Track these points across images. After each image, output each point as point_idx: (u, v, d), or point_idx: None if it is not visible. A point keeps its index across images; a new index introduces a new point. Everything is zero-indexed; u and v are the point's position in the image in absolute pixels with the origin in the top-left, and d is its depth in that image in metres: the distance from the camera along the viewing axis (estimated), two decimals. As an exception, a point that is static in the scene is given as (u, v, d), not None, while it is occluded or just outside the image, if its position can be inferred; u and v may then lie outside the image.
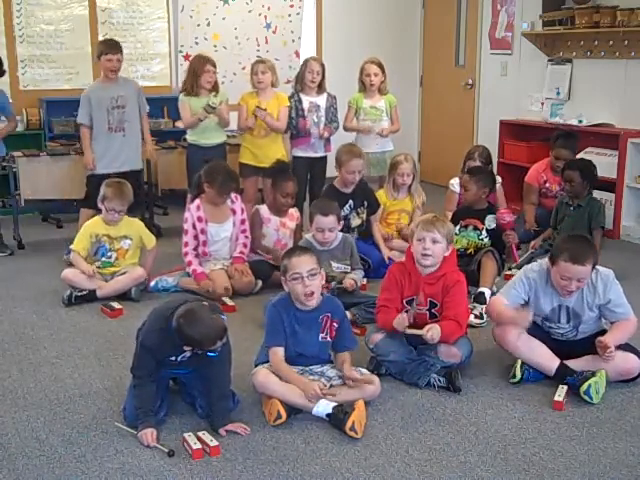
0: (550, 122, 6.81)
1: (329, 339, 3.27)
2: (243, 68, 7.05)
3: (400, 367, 3.44)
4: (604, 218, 5.16)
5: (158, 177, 6.43)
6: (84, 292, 4.53)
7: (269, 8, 7.68)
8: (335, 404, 3.05)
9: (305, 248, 3.38)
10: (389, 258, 5.06)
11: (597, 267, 3.38)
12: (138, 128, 5.71)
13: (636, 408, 3.22)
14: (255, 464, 2.78)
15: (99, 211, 4.82)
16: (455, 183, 5.38)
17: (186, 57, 7.23)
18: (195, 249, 4.74)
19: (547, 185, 5.92)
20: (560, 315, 3.45)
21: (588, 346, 3.38)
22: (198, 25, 7.41)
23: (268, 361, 3.22)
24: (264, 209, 4.97)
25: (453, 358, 3.43)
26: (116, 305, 4.39)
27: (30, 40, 6.93)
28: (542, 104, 7.13)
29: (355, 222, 5.12)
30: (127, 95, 5.57)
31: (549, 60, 7.02)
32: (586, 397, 3.22)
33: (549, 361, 3.39)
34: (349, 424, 2.94)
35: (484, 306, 4.22)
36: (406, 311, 3.43)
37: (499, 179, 5.71)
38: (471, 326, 3.94)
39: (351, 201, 5.07)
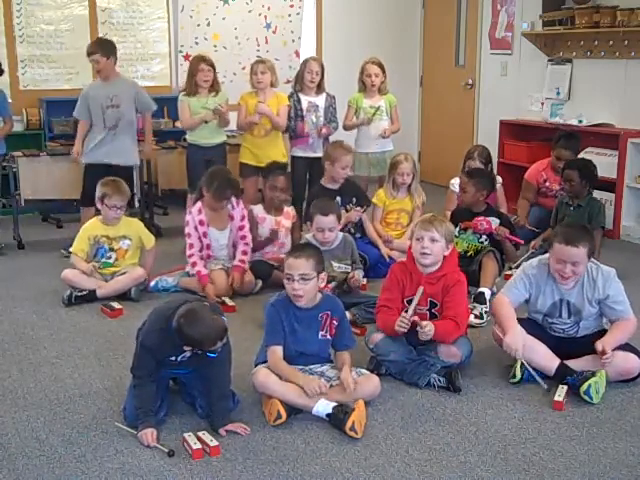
0: (550, 122, 6.82)
1: (329, 337, 3.27)
2: (243, 68, 7.05)
3: (400, 367, 3.44)
4: (604, 218, 5.16)
5: (158, 177, 6.44)
6: (84, 292, 4.53)
7: (269, 8, 7.69)
8: (335, 404, 3.05)
9: (309, 249, 3.32)
10: (389, 257, 5.07)
11: (599, 264, 3.43)
12: (134, 126, 5.70)
13: (636, 408, 3.22)
14: (255, 464, 2.78)
15: (99, 210, 4.83)
16: (455, 183, 5.38)
17: (186, 57, 7.25)
18: (200, 251, 4.73)
19: (547, 184, 5.92)
20: (561, 310, 3.46)
21: (588, 346, 3.38)
22: (198, 25, 7.42)
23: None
24: (258, 208, 4.97)
25: (453, 358, 3.44)
26: (116, 305, 4.39)
27: (30, 40, 6.93)
28: (542, 104, 7.13)
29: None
30: (122, 94, 5.54)
31: (549, 60, 7.02)
32: (586, 397, 3.22)
33: (549, 361, 3.39)
34: (349, 424, 2.94)
35: (484, 306, 4.22)
36: (406, 311, 3.43)
37: (499, 179, 5.72)
38: (471, 326, 3.94)
39: (339, 197, 5.08)
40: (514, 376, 3.39)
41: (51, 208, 6.62)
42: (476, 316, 4.17)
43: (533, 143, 6.92)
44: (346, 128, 5.93)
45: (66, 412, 3.17)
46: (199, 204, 4.74)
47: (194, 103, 5.56)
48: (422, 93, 8.75)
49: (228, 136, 6.02)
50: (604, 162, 6.05)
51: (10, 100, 6.19)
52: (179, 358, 3.03)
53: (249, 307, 4.46)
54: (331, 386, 3.17)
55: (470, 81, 8.01)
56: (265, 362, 3.22)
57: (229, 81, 7.08)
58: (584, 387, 3.22)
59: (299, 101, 5.68)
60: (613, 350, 3.31)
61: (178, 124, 6.32)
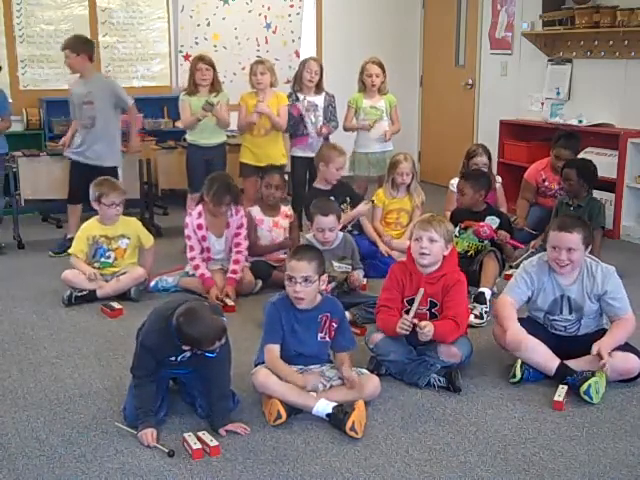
0: (550, 122, 6.82)
1: (328, 339, 3.27)
2: (243, 68, 7.06)
3: (400, 367, 3.44)
4: (604, 218, 5.16)
5: (158, 177, 6.44)
6: (84, 292, 4.53)
7: (269, 8, 7.70)
8: (335, 404, 3.05)
9: (311, 251, 3.30)
10: (388, 255, 5.09)
11: (599, 261, 3.47)
12: (112, 124, 5.63)
13: (636, 408, 3.22)
14: (255, 464, 2.78)
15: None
16: (455, 183, 5.37)
17: (186, 57, 7.26)
18: (201, 253, 4.73)
19: (546, 184, 5.92)
20: (562, 306, 3.47)
21: (588, 345, 3.38)
22: (198, 25, 7.43)
23: (268, 360, 3.22)
24: (255, 210, 4.95)
25: (453, 358, 3.44)
26: (116, 305, 4.39)
27: (30, 40, 6.94)
28: (542, 104, 7.13)
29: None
30: (95, 92, 5.51)
31: (549, 60, 7.02)
32: (586, 397, 3.22)
33: (549, 361, 3.39)
34: (349, 424, 2.94)
35: (484, 306, 4.22)
36: (407, 312, 3.43)
37: (499, 179, 5.72)
38: (471, 326, 3.94)
39: (333, 198, 5.07)
40: (514, 376, 3.39)
41: (51, 208, 6.62)
42: (476, 316, 4.17)
43: (533, 143, 6.92)
44: (346, 129, 5.93)
45: (66, 412, 3.17)
46: (200, 207, 4.73)
47: (194, 103, 5.56)
48: (422, 93, 8.75)
49: (228, 136, 6.02)
50: (604, 162, 6.04)
51: (10, 100, 6.20)
52: (179, 358, 3.03)
53: (249, 307, 4.46)
54: (331, 386, 3.18)
55: (470, 81, 8.01)
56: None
57: (229, 81, 7.08)
58: (584, 387, 3.22)
59: (298, 101, 5.69)
60: (613, 350, 3.32)
61: (178, 124, 6.33)
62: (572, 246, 3.36)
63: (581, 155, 5.92)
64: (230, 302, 4.48)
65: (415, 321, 3.36)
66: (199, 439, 2.86)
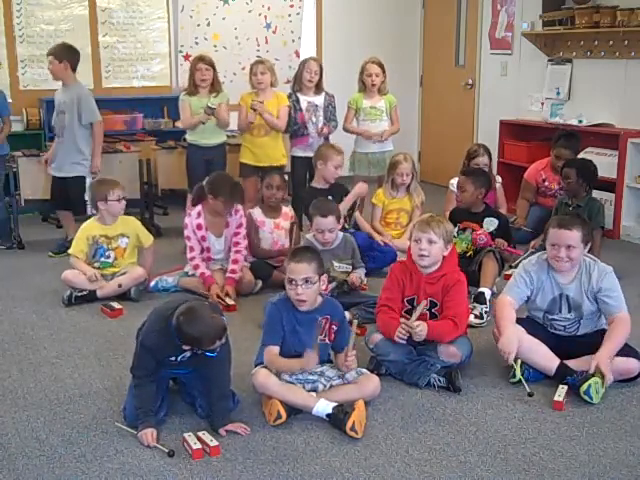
0: (550, 122, 6.81)
1: (328, 341, 3.26)
2: (243, 68, 7.06)
3: (400, 367, 3.44)
4: (603, 218, 5.17)
5: (158, 177, 6.44)
6: (84, 292, 4.53)
7: (269, 8, 7.70)
8: (335, 404, 3.05)
9: (309, 252, 3.30)
10: (385, 244, 5.10)
11: (597, 260, 3.48)
12: (78, 136, 5.47)
13: (636, 408, 3.22)
14: (255, 464, 2.78)
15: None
16: (455, 183, 5.37)
17: (186, 57, 7.26)
18: (201, 253, 4.72)
19: (546, 184, 5.93)
20: (561, 305, 3.48)
21: (588, 345, 3.39)
22: (198, 25, 7.43)
23: (268, 361, 3.22)
24: (257, 212, 4.95)
25: (453, 358, 3.44)
26: (116, 305, 4.39)
27: (30, 40, 6.94)
28: (542, 104, 7.12)
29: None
30: (68, 102, 5.46)
31: (549, 60, 7.02)
32: (586, 397, 3.22)
33: (549, 361, 3.40)
34: (349, 424, 2.94)
35: (484, 306, 4.22)
36: (407, 311, 3.43)
37: (499, 179, 5.73)
38: (471, 326, 3.94)
39: (330, 197, 5.07)
40: (514, 376, 3.39)
41: (51, 208, 6.60)
42: (476, 316, 4.17)
43: (533, 143, 6.92)
44: (346, 130, 5.93)
45: (66, 412, 3.17)
46: (199, 208, 4.73)
47: (194, 103, 5.56)
48: (422, 93, 8.75)
49: (228, 136, 6.02)
50: (604, 162, 6.04)
51: (10, 100, 6.21)
52: (179, 358, 3.03)
53: (249, 307, 4.45)
54: (331, 386, 3.18)
55: (470, 81, 8.01)
56: (266, 362, 3.22)
57: (229, 81, 7.08)
58: (584, 387, 3.22)
59: (298, 101, 5.69)
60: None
61: (178, 124, 6.33)
62: (571, 243, 3.37)
63: (581, 155, 5.93)
64: (230, 301, 4.48)
65: (407, 322, 3.36)
66: (199, 439, 2.86)
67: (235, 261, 4.66)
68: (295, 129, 5.70)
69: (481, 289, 4.34)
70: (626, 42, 6.16)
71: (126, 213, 4.84)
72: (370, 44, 7.78)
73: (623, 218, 6.15)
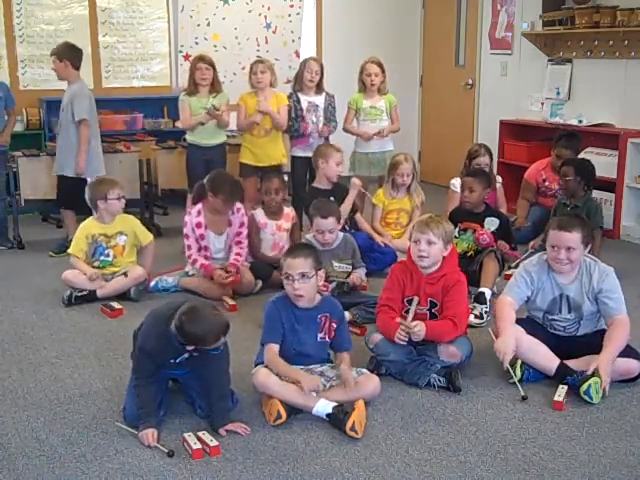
0: (550, 122, 6.82)
1: (327, 339, 3.27)
2: (243, 68, 7.05)
3: (400, 367, 3.44)
4: (602, 218, 5.17)
5: (158, 177, 6.44)
6: (84, 292, 4.53)
7: (269, 8, 7.69)
8: (335, 404, 3.05)
9: (305, 248, 3.34)
10: (385, 245, 5.10)
11: (598, 261, 3.48)
12: (73, 134, 5.47)
13: (636, 408, 3.22)
14: (255, 464, 2.78)
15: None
16: (456, 183, 5.37)
17: (186, 57, 7.25)
18: (199, 251, 4.73)
19: (546, 184, 5.93)
20: (561, 305, 3.48)
21: (588, 345, 3.39)
22: (198, 25, 7.43)
23: (267, 360, 3.22)
24: (259, 213, 4.94)
25: (453, 358, 3.44)
26: (116, 305, 4.40)
27: (30, 40, 6.94)
28: (542, 104, 7.12)
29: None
30: (66, 100, 5.48)
31: (549, 60, 7.02)
32: (586, 397, 3.22)
33: (549, 361, 3.40)
34: (349, 424, 2.94)
35: (484, 306, 4.22)
36: (407, 311, 3.43)
37: (499, 179, 5.73)
38: (471, 326, 3.94)
39: (332, 198, 5.06)
40: (514, 376, 3.39)
41: (51, 208, 6.59)
42: (476, 316, 4.17)
43: (533, 143, 6.92)
44: (346, 131, 5.93)
45: (66, 412, 3.17)
46: (199, 206, 4.73)
47: (194, 103, 5.56)
48: (422, 93, 8.75)
49: (228, 136, 6.02)
50: (604, 162, 6.05)
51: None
52: (177, 359, 3.03)
53: (249, 307, 4.45)
54: (331, 386, 3.18)
55: (470, 81, 8.01)
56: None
57: (229, 81, 7.07)
58: (584, 387, 3.22)
59: (299, 101, 5.69)
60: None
61: (178, 124, 6.32)
62: (571, 245, 3.37)
63: (581, 155, 5.92)
64: (231, 301, 4.48)
65: (405, 322, 3.36)
66: (199, 439, 2.86)
67: (238, 254, 4.71)
68: (296, 128, 5.70)
69: (481, 289, 4.34)
70: (626, 42, 6.16)
71: (126, 213, 4.85)
72: (370, 44, 7.78)
73: (623, 218, 6.15)
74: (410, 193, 5.44)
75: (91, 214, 4.82)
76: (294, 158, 5.83)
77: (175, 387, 3.27)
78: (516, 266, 4.40)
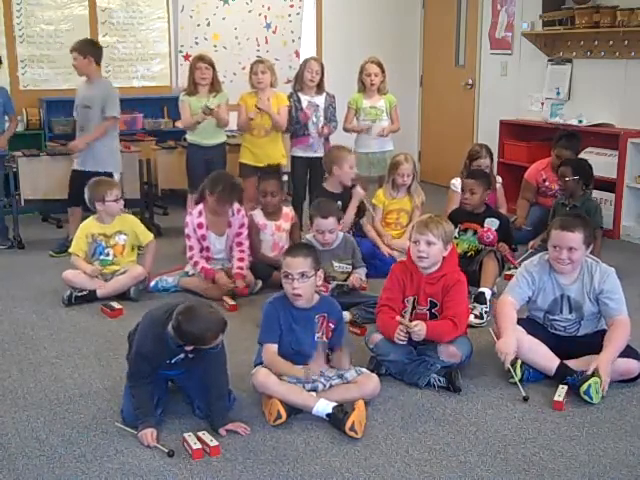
0: (550, 122, 6.82)
1: (325, 340, 3.27)
2: (243, 68, 7.05)
3: (400, 367, 3.44)
4: (601, 218, 5.17)
5: (158, 177, 6.44)
6: (84, 292, 4.53)
7: (269, 8, 7.69)
8: (335, 404, 3.05)
9: (305, 248, 3.35)
10: (390, 255, 5.08)
11: (599, 261, 3.48)
12: (109, 132, 5.56)
13: (636, 408, 3.22)
14: (255, 464, 2.78)
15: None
16: (457, 183, 5.37)
17: (186, 57, 7.25)
18: (200, 252, 4.72)
19: (547, 184, 5.93)
20: (562, 305, 3.48)
21: (588, 346, 3.39)
22: (198, 25, 7.43)
23: (267, 360, 3.21)
24: (258, 214, 4.93)
25: (453, 358, 3.44)
26: (116, 305, 4.40)
27: (30, 40, 6.94)
28: (542, 104, 7.12)
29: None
30: (94, 97, 5.49)
31: (549, 60, 7.02)
32: (586, 397, 3.22)
33: (549, 361, 3.40)
34: (349, 424, 2.94)
35: (484, 306, 4.22)
36: (403, 314, 3.43)
37: (499, 179, 5.73)
38: (471, 326, 3.94)
39: (340, 202, 5.05)
40: (514, 376, 3.39)
41: (51, 208, 6.61)
42: (476, 316, 4.17)
43: (533, 143, 6.92)
44: (346, 130, 5.93)
45: (66, 412, 3.17)
46: (200, 206, 4.73)
47: (194, 103, 5.56)
48: (422, 93, 8.75)
49: (228, 136, 6.02)
50: (604, 162, 6.05)
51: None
52: (173, 360, 3.02)
53: (249, 307, 4.45)
54: (331, 386, 3.18)
55: (470, 81, 8.01)
56: (265, 362, 3.22)
57: (229, 81, 7.07)
58: (584, 387, 3.22)
59: (299, 101, 5.69)
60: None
61: (178, 124, 6.33)
62: (573, 245, 3.37)
63: (581, 155, 5.92)
64: (231, 301, 4.48)
65: (405, 321, 3.36)
66: (199, 439, 2.86)
67: (241, 259, 4.69)
68: (296, 128, 5.70)
69: (481, 289, 4.34)
70: (626, 42, 6.17)
71: (126, 213, 4.85)
72: (370, 44, 7.77)
73: (623, 218, 6.15)
74: (410, 193, 5.43)
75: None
76: (294, 158, 5.83)
77: (175, 387, 3.27)
78: (516, 267, 4.40)
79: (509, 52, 7.46)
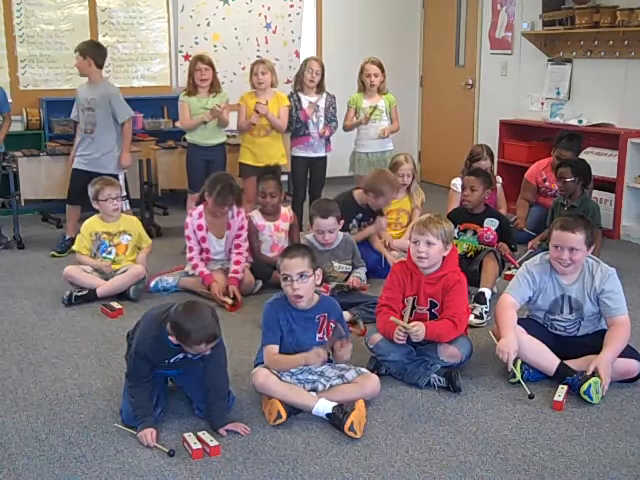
0: (550, 122, 6.82)
1: (326, 339, 3.27)
2: (243, 68, 7.06)
3: (400, 367, 3.44)
4: (600, 218, 5.17)
5: (158, 177, 6.44)
6: (84, 292, 4.53)
7: (269, 8, 7.70)
8: (335, 404, 3.05)
9: (301, 248, 3.34)
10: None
11: (600, 262, 3.48)
12: (110, 133, 5.53)
13: (636, 408, 3.22)
14: (255, 464, 2.78)
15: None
16: (457, 183, 5.36)
17: (186, 57, 7.26)
18: (200, 253, 4.72)
19: (547, 184, 5.93)
20: (563, 305, 3.48)
21: (588, 346, 3.40)
22: (198, 25, 7.43)
23: (267, 361, 3.22)
24: (257, 216, 4.91)
25: (453, 358, 3.44)
26: (116, 305, 4.40)
27: (30, 40, 6.94)
28: (542, 104, 7.12)
29: (353, 232, 5.02)
30: (97, 99, 5.48)
31: (549, 60, 7.02)
32: (586, 397, 3.22)
33: (549, 361, 3.40)
34: (349, 424, 2.94)
35: (484, 306, 4.22)
36: (403, 314, 3.43)
37: (499, 179, 5.73)
38: (471, 326, 3.94)
39: (360, 214, 5.02)
40: (514, 376, 3.39)
41: (51, 208, 6.62)
42: (476, 316, 4.17)
43: (533, 143, 6.92)
44: (346, 129, 5.93)
45: (66, 412, 3.17)
46: (201, 208, 4.73)
47: (194, 103, 5.56)
48: (422, 93, 8.75)
49: (228, 136, 6.02)
50: (604, 162, 6.05)
51: (10, 100, 6.21)
52: (172, 359, 3.02)
53: (249, 307, 4.45)
54: (331, 386, 3.18)
55: (470, 81, 8.01)
56: (265, 362, 3.22)
57: (229, 81, 7.08)
58: (584, 387, 3.22)
59: (299, 101, 5.69)
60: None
61: (178, 124, 6.32)
62: (574, 246, 3.36)
63: (581, 155, 5.92)
64: (231, 301, 4.48)
65: (404, 323, 3.36)
66: (199, 439, 2.86)
67: (237, 262, 4.66)
68: (297, 127, 5.70)
69: (481, 289, 4.34)
70: (626, 42, 6.16)
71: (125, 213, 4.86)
72: (370, 44, 7.78)
73: (623, 218, 6.15)
74: (410, 193, 5.44)
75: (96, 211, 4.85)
76: (294, 158, 5.83)
77: (174, 387, 3.27)
78: (516, 267, 4.40)
79: (509, 52, 7.45)
